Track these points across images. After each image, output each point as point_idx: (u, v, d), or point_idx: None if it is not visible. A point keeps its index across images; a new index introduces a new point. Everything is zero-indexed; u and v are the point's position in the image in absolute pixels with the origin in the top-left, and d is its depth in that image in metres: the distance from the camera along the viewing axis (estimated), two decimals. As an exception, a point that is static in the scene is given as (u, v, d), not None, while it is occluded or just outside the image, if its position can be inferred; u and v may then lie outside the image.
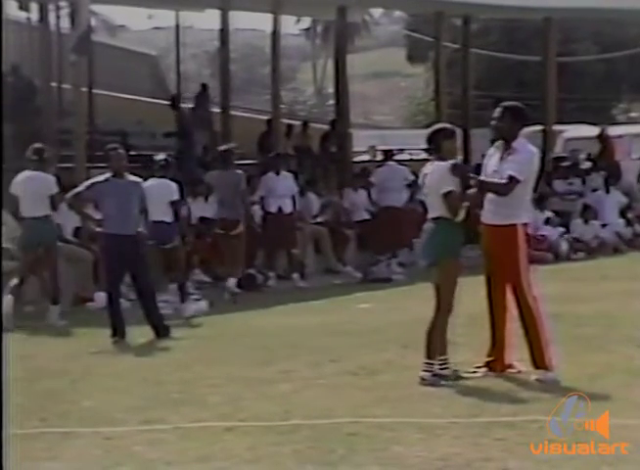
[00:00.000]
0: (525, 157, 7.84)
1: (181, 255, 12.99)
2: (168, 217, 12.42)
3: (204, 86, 21.07)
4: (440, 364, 7.84)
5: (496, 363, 8.00)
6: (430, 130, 8.20)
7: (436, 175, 7.88)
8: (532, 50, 29.03)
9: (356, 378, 8.07)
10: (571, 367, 7.86)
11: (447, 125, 8.28)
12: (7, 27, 27.56)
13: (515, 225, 7.84)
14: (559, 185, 20.46)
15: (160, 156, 13.00)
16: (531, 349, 7.77)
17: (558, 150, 23.44)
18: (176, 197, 12.64)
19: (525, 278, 7.80)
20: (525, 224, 7.98)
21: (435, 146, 8.00)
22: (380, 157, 21.26)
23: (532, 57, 28.91)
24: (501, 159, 7.89)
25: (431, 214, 7.98)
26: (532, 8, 21.48)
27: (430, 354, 7.80)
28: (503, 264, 7.89)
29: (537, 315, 7.76)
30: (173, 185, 12.62)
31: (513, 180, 7.70)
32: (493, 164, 7.93)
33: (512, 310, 7.96)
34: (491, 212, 7.93)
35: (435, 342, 7.85)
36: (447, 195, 7.79)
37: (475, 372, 7.97)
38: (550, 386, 7.47)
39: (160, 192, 12.21)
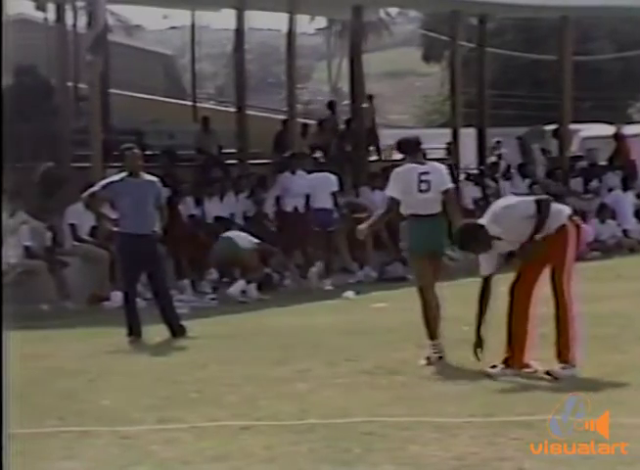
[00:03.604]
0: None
1: (339, 237, 15.28)
2: (329, 205, 14.89)
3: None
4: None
5: (514, 360, 7.98)
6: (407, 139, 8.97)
7: (437, 175, 8.58)
8: (548, 49, 28.99)
9: (372, 377, 8.08)
10: (586, 366, 7.85)
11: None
12: (23, 27, 27.69)
13: (564, 225, 7.86)
14: (575, 184, 20.42)
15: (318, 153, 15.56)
16: (559, 342, 7.78)
17: (574, 149, 23.40)
18: (336, 188, 14.95)
19: (567, 276, 7.81)
20: (572, 218, 7.98)
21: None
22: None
23: (548, 56, 28.85)
24: None
25: (431, 210, 8.59)
26: (549, 6, 21.44)
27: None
28: (551, 261, 7.86)
29: (570, 311, 7.77)
30: (333, 177, 15.04)
31: (537, 205, 7.83)
32: None
33: (536, 308, 7.93)
34: None
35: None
36: (447, 192, 8.65)
37: (493, 368, 7.96)
38: (566, 385, 7.46)
39: (323, 183, 14.77)
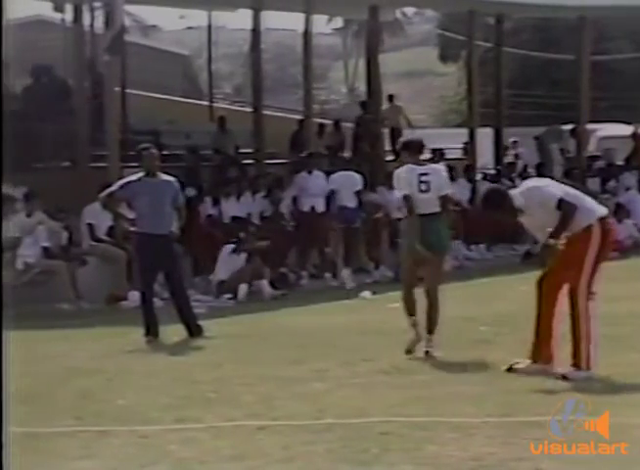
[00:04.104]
0: (534, 195, 7.99)
1: (361, 234, 15.79)
2: (353, 203, 15.32)
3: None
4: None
5: (540, 355, 7.94)
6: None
7: (437, 177, 9.01)
8: (566, 48, 28.92)
9: (389, 377, 8.08)
10: (602, 367, 7.82)
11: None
12: (41, 28, 27.79)
13: (590, 225, 7.83)
14: (592, 184, 20.37)
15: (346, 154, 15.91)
16: (574, 344, 7.76)
17: (591, 149, 23.34)
18: (361, 187, 15.42)
19: (584, 276, 7.78)
20: (603, 218, 7.94)
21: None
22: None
23: (566, 55, 28.77)
24: None
25: (431, 209, 8.94)
26: (566, 6, 21.38)
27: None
28: (571, 260, 7.83)
29: (582, 315, 7.74)
30: (358, 176, 15.51)
31: (560, 205, 7.79)
32: None
33: (563, 307, 7.90)
34: None
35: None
36: (445, 196, 9.03)
37: (517, 364, 7.94)
38: (583, 386, 7.44)
39: (348, 181, 15.25)
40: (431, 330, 8.97)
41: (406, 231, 9.15)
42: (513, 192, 8.06)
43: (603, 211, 8.06)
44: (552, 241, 7.80)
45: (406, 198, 8.96)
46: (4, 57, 15.38)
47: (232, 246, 14.11)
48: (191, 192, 15.41)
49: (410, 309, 9.12)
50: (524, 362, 7.97)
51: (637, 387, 7.44)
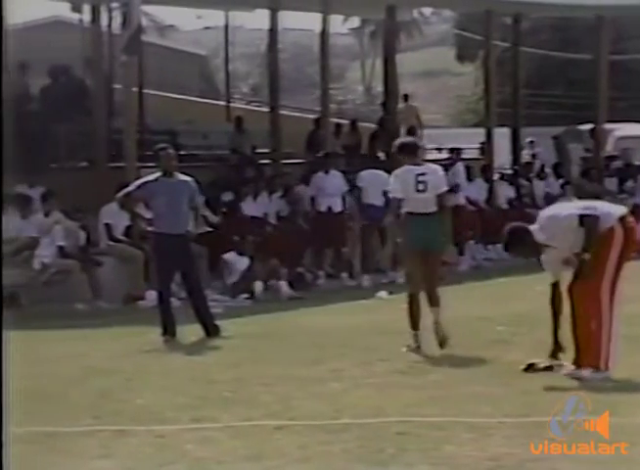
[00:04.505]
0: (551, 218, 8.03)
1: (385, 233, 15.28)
2: (380, 202, 15.04)
3: None
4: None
5: (581, 360, 7.87)
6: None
7: (434, 177, 9.27)
8: (584, 48, 28.85)
9: (406, 377, 8.07)
10: (619, 367, 7.80)
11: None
12: (59, 29, 27.87)
13: (612, 227, 7.81)
14: (610, 184, 20.30)
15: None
16: (594, 345, 7.73)
17: (609, 149, 23.25)
18: (388, 186, 15.34)
19: (607, 276, 7.75)
20: (623, 218, 7.91)
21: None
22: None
23: (584, 55, 28.69)
24: None
25: (428, 209, 9.20)
26: (584, 5, 21.30)
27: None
28: (593, 260, 7.80)
29: (604, 315, 7.71)
30: (385, 175, 14.88)
31: (583, 220, 7.79)
32: None
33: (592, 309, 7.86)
34: None
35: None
36: (442, 195, 9.26)
37: (560, 366, 7.90)
38: (599, 386, 7.42)
39: (375, 179, 15.15)
40: (435, 303, 9.25)
41: (403, 233, 9.41)
42: (533, 228, 8.00)
43: (622, 210, 8.03)
44: (587, 255, 7.77)
45: (397, 200, 9.30)
46: (7, 58, 15.44)
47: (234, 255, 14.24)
48: (227, 196, 15.54)
49: (414, 324, 9.29)
50: (568, 368, 7.90)
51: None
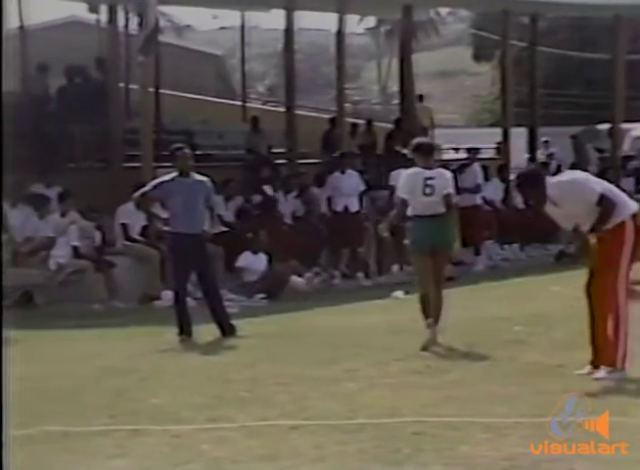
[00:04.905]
0: (572, 192, 7.87)
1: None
2: None
3: None
4: None
5: (599, 361, 7.84)
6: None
7: (442, 180, 9.33)
8: (601, 48, 28.75)
9: (422, 377, 8.06)
10: (637, 367, 7.77)
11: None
12: (76, 29, 27.93)
13: (623, 221, 7.76)
14: (627, 184, 20.22)
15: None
16: (604, 345, 7.71)
17: (626, 148, 23.19)
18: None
19: (622, 274, 7.71)
20: (636, 215, 7.83)
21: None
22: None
23: (601, 55, 28.60)
24: None
25: (435, 211, 9.27)
26: (602, 5, 21.25)
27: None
28: (606, 258, 7.77)
29: (622, 313, 7.68)
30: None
31: (601, 200, 7.70)
32: None
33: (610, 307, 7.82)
34: None
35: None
36: (448, 196, 9.32)
37: (593, 370, 7.87)
38: (619, 386, 7.40)
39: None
40: (436, 320, 9.26)
41: (410, 233, 9.52)
42: (551, 180, 7.95)
43: (635, 206, 7.97)
44: (593, 235, 7.73)
45: (403, 202, 9.37)
46: (25, 59, 15.43)
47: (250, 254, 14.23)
48: (256, 198, 15.60)
49: (426, 311, 9.39)
50: (586, 369, 7.86)
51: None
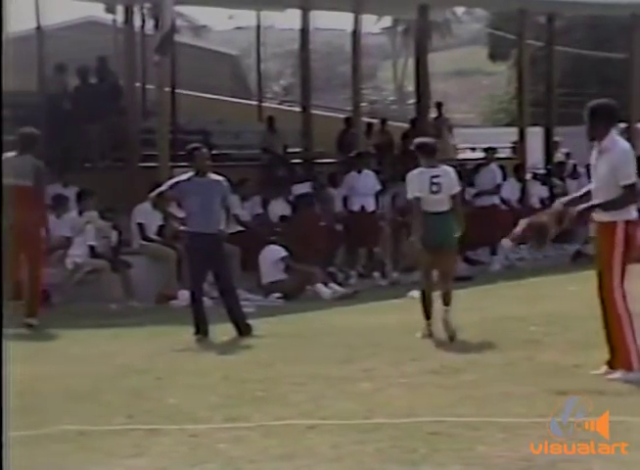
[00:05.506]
0: (620, 156, 7.77)
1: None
2: None
3: None
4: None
5: (615, 363, 7.83)
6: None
7: (448, 178, 9.70)
8: (618, 47, 28.64)
9: (438, 377, 8.05)
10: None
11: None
12: (93, 29, 27.99)
13: (615, 222, 7.73)
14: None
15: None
16: (615, 348, 7.67)
17: (641, 148, 23.07)
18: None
19: (616, 275, 7.68)
20: (630, 222, 7.80)
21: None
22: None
23: (618, 54, 28.50)
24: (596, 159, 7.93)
25: (442, 208, 9.66)
26: (619, 4, 21.19)
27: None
28: (601, 260, 7.75)
29: (623, 314, 7.65)
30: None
31: (627, 188, 7.64)
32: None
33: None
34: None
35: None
36: (455, 195, 9.74)
37: (609, 371, 7.85)
38: (619, 386, 7.37)
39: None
40: (447, 302, 9.68)
41: (416, 231, 9.82)
42: (616, 136, 7.93)
43: (634, 216, 7.88)
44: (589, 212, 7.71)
45: (417, 200, 9.69)
46: (41, 59, 15.42)
47: (273, 246, 14.16)
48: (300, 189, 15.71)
49: (427, 312, 9.83)
50: (603, 370, 7.83)
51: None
